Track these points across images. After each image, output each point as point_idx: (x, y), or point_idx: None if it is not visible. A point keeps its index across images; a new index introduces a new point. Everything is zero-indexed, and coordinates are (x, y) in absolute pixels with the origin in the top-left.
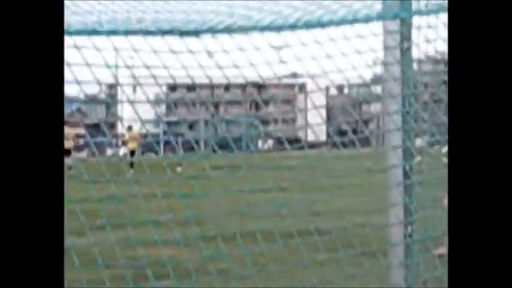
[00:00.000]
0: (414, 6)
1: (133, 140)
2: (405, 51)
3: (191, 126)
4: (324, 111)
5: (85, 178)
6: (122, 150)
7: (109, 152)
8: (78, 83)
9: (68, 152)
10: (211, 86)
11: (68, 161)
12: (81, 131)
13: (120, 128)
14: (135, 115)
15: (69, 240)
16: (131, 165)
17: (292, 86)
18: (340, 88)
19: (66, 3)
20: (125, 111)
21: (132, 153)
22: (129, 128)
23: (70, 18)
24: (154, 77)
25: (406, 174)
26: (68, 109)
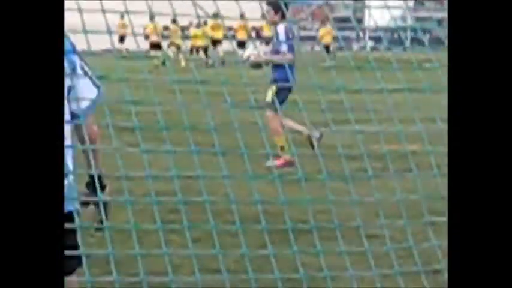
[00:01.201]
0: None
1: None
2: None
3: (440, 22)
4: None
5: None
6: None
7: (355, 47)
8: None
9: (217, 43)
10: None
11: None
12: (328, 25)
13: (367, 22)
14: (382, 8)
15: (315, 132)
16: None
17: None
18: None
19: None
20: (372, 5)
21: None
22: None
23: None
24: None
25: None
26: (314, 2)
